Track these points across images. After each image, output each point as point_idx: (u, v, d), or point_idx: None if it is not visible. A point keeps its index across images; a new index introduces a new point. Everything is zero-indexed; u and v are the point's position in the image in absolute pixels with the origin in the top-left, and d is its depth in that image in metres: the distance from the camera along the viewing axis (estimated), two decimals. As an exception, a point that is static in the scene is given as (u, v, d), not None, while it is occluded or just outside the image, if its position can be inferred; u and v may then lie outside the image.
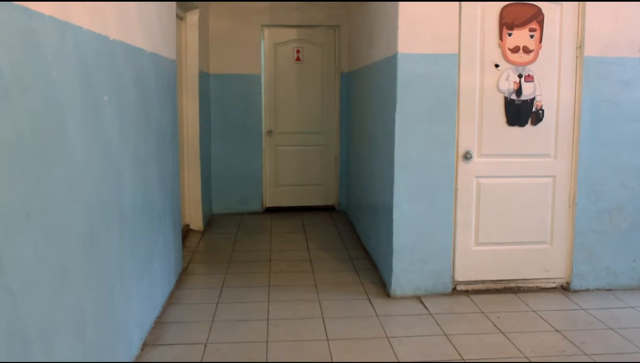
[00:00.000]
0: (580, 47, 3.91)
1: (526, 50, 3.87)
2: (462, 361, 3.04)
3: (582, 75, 3.91)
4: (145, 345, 3.15)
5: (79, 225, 2.17)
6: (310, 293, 4.04)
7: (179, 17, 5.14)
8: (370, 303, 3.85)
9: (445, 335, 3.35)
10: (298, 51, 6.55)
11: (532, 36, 3.87)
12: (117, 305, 2.67)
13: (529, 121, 3.94)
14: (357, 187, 5.69)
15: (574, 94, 3.96)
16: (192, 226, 5.72)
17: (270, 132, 6.58)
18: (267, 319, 3.56)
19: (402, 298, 3.93)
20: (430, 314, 3.65)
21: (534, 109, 3.93)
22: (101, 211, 2.43)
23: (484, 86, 3.88)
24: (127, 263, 2.83)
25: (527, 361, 3.04)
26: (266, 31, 6.53)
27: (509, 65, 3.88)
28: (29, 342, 1.74)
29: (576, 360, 3.05)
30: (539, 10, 3.86)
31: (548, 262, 4.08)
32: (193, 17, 5.43)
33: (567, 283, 4.11)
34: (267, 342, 3.25)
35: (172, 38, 4.07)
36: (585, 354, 3.11)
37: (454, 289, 4.03)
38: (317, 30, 6.56)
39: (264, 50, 6.53)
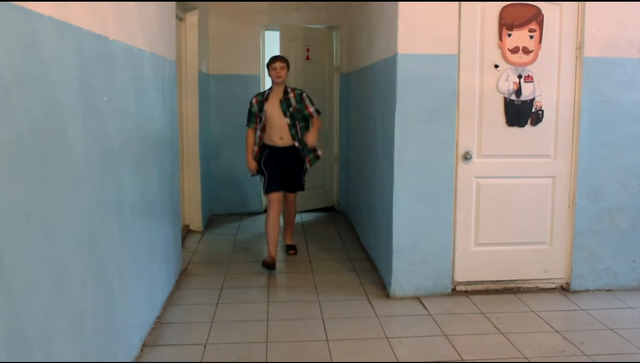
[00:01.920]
0: (579, 47, 3.92)
1: (526, 50, 3.87)
2: (462, 361, 3.04)
3: (581, 75, 3.91)
4: (144, 346, 3.15)
5: (79, 225, 2.17)
6: (310, 294, 4.04)
7: (179, 18, 5.14)
8: (370, 303, 3.85)
9: (445, 335, 3.35)
10: (308, 50, 6.45)
11: (531, 37, 3.87)
12: (117, 305, 2.67)
13: (529, 121, 3.94)
14: (356, 188, 5.69)
15: (574, 94, 3.96)
16: (191, 227, 5.72)
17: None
18: (267, 320, 3.56)
19: (402, 298, 3.92)
20: (430, 314, 3.65)
21: (533, 110, 3.93)
22: (101, 211, 2.43)
23: (483, 86, 3.88)
24: (126, 263, 2.83)
25: (527, 361, 3.04)
26: (266, 32, 6.52)
27: (508, 65, 3.88)
28: (28, 342, 1.74)
29: (576, 361, 3.05)
30: (539, 10, 3.86)
31: (548, 263, 4.08)
32: (193, 18, 5.43)
33: (566, 283, 4.11)
34: (266, 342, 3.25)
35: (171, 39, 4.08)
36: (585, 355, 3.11)
37: (454, 289, 4.03)
38: (316, 31, 6.55)
39: (263, 50, 6.53)
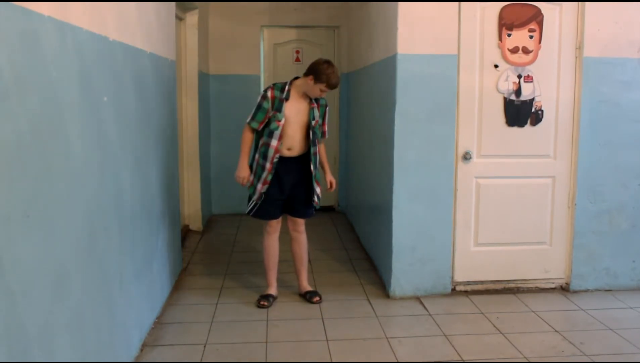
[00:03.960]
0: (579, 47, 3.92)
1: (525, 50, 3.87)
2: (462, 361, 3.04)
3: (581, 75, 3.91)
4: (144, 346, 3.15)
5: (79, 225, 2.17)
6: (310, 294, 4.03)
7: (179, 18, 5.14)
8: (370, 303, 3.85)
9: (445, 335, 3.35)
10: (298, 52, 6.55)
11: (531, 37, 3.87)
12: (117, 305, 2.67)
13: (529, 121, 3.94)
14: (356, 188, 5.69)
15: (574, 94, 3.96)
16: (191, 227, 5.71)
17: None
18: (267, 320, 3.56)
19: (402, 298, 3.92)
20: (430, 314, 3.65)
21: (533, 110, 3.93)
22: (100, 211, 2.43)
23: (483, 86, 3.88)
24: (126, 263, 2.83)
25: (527, 361, 3.04)
26: (265, 32, 6.53)
27: (508, 65, 3.88)
28: (28, 342, 1.74)
29: (575, 361, 3.05)
30: (539, 10, 3.86)
31: (547, 263, 4.08)
32: (192, 18, 5.43)
33: (566, 283, 4.10)
34: (266, 342, 3.25)
35: (171, 39, 4.07)
36: (585, 355, 3.11)
37: (454, 289, 4.03)
38: (316, 31, 6.56)
39: (263, 50, 6.53)
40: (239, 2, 6.30)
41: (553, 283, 4.12)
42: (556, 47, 3.91)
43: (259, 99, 3.65)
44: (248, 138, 3.71)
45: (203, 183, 5.81)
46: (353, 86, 5.93)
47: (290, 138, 3.64)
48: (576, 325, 3.53)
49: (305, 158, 3.72)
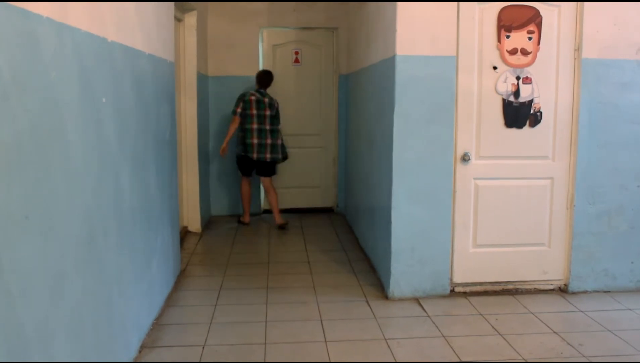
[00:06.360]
0: (578, 49, 3.92)
1: (524, 52, 3.88)
2: (460, 362, 3.04)
3: (580, 77, 3.92)
4: (143, 347, 3.14)
5: (78, 227, 2.17)
6: (309, 295, 4.03)
7: (177, 19, 5.14)
8: (369, 305, 3.85)
9: (444, 336, 3.35)
10: (297, 53, 6.55)
11: (530, 38, 3.87)
12: (115, 306, 2.67)
13: (527, 123, 3.94)
14: (355, 189, 5.69)
15: (572, 96, 3.96)
16: (190, 228, 5.71)
17: None
18: (265, 321, 3.56)
19: (400, 300, 3.92)
20: (429, 316, 3.65)
21: (532, 111, 3.94)
22: (99, 212, 2.43)
23: (482, 88, 3.89)
24: (125, 264, 2.83)
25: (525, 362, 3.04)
26: (264, 33, 6.53)
27: (507, 67, 3.89)
28: (27, 343, 1.74)
29: (574, 362, 3.05)
30: (537, 12, 3.87)
31: (546, 264, 4.08)
32: (191, 19, 5.43)
33: (565, 285, 4.11)
34: (265, 343, 3.25)
35: (170, 40, 4.08)
36: (584, 356, 3.11)
37: (452, 291, 4.03)
38: (315, 32, 6.56)
39: (262, 52, 6.53)
40: (237, 3, 6.31)
41: (552, 284, 4.12)
42: (555, 48, 3.91)
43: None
44: None
45: (202, 184, 5.81)
46: (352, 87, 5.93)
47: None
48: (575, 327, 3.53)
49: None
